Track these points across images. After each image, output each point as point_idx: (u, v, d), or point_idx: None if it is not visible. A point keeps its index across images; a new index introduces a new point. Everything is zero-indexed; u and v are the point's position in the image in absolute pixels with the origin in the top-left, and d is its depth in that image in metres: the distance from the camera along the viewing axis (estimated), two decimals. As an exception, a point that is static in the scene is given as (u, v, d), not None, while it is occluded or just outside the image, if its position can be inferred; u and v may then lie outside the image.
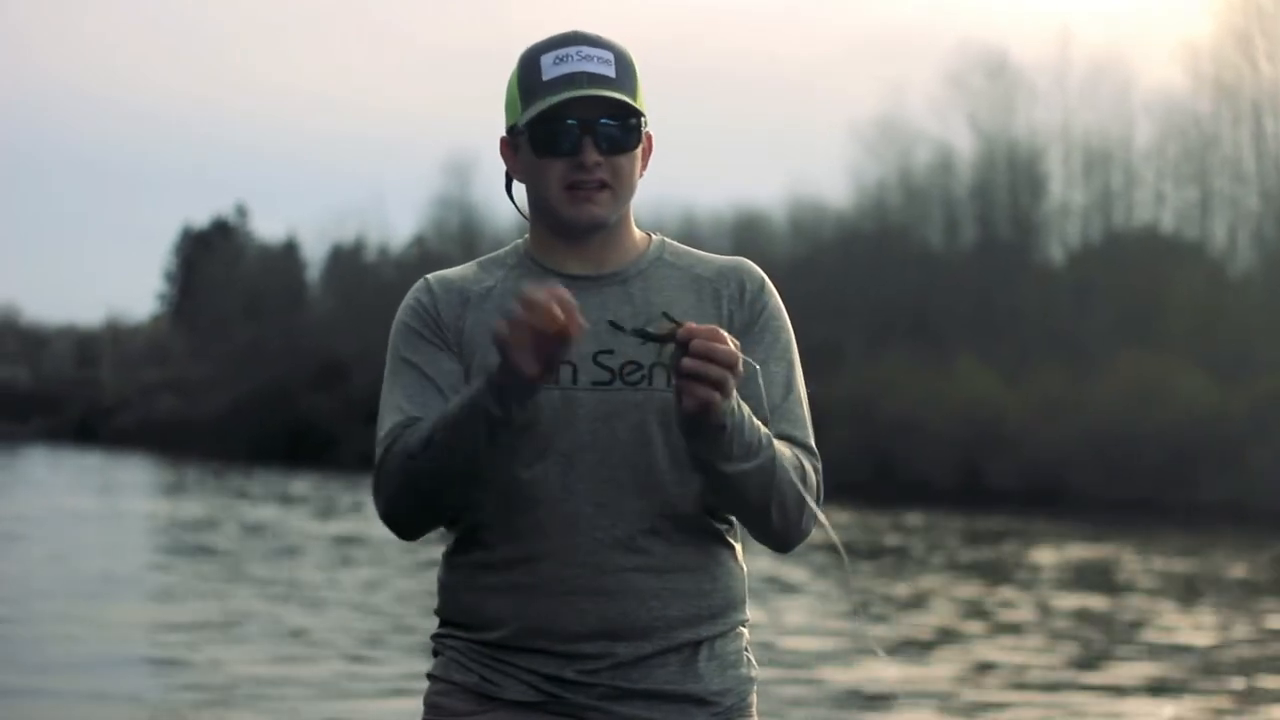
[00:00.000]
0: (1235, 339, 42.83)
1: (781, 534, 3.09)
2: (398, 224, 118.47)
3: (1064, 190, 52.76)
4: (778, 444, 3.03)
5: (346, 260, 71.22)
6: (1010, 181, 52.67)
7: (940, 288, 48.87)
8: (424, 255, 63.47)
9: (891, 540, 28.27)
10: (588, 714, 3.06)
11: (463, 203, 65.16)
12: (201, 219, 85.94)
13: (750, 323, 3.15)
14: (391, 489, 3.06)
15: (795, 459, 3.06)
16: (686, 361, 2.84)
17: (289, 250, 76.25)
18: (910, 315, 48.11)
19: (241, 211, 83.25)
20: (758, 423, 2.99)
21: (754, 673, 3.19)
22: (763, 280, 3.20)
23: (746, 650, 3.19)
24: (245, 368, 63.49)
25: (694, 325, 2.86)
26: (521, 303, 2.83)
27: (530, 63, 3.12)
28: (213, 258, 76.13)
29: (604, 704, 3.05)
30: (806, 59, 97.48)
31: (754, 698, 3.19)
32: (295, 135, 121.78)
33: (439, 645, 3.20)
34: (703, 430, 2.92)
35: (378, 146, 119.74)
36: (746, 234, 54.63)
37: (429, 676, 3.21)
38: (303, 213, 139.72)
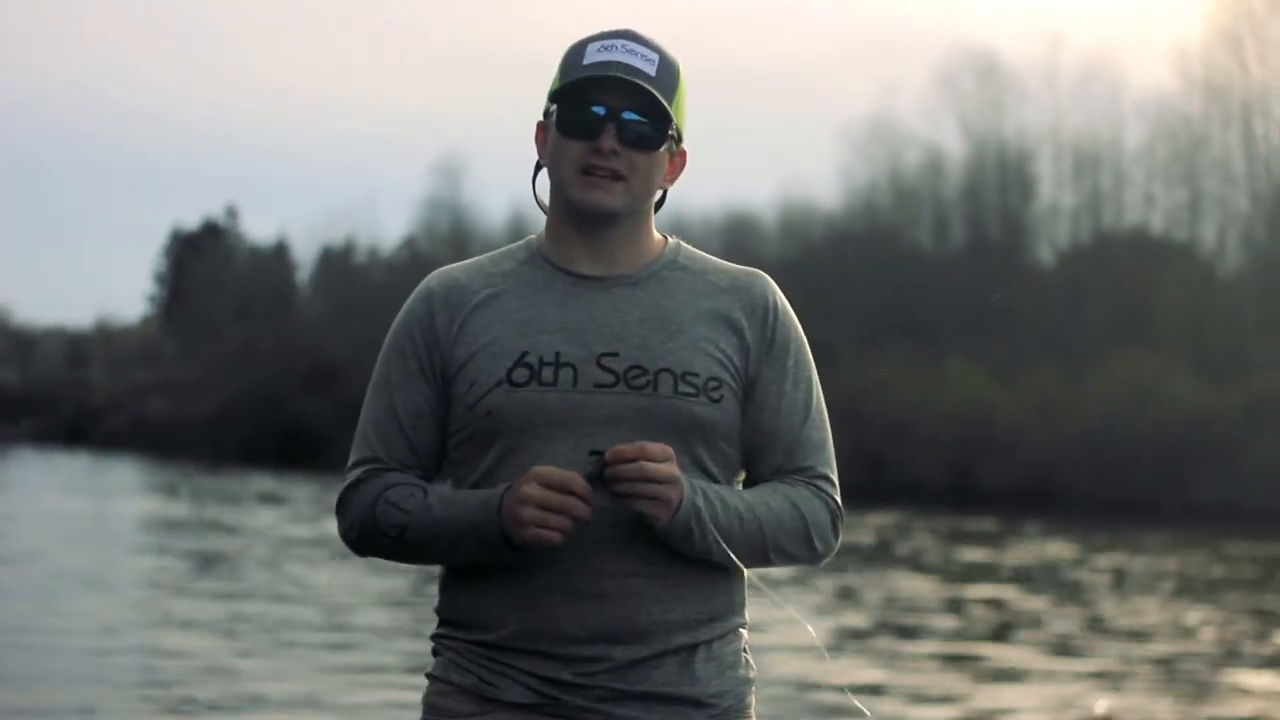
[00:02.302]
0: (1226, 340, 42.90)
1: (791, 566, 3.17)
2: (388, 225, 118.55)
3: (1054, 191, 52.85)
4: (774, 501, 3.09)
5: (336, 262, 71.17)
6: (1000, 183, 52.73)
7: (931, 289, 48.90)
8: (414, 257, 63.42)
9: (882, 540, 28.26)
10: (585, 716, 3.05)
11: (453, 204, 65.15)
12: (191, 220, 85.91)
13: (766, 347, 3.14)
14: (354, 535, 3.18)
15: (793, 512, 3.10)
16: (621, 488, 2.92)
17: (279, 252, 76.18)
18: (901, 316, 48.13)
19: (231, 213, 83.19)
20: (734, 504, 3.05)
21: (752, 674, 3.19)
22: (777, 299, 3.18)
23: (745, 651, 3.18)
24: (235, 369, 63.42)
25: (619, 449, 2.93)
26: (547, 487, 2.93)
27: (576, 49, 3.13)
28: (202, 259, 76.05)
29: (602, 706, 3.05)
30: (796, 60, 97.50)
31: (752, 699, 3.18)
32: (285, 136, 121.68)
33: (438, 645, 3.19)
34: (669, 533, 3.00)
35: (368, 147, 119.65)
36: (736, 235, 54.62)
37: (428, 676, 3.20)
38: (293, 214, 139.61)
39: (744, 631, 3.18)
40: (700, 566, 3.08)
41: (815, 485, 3.15)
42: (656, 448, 2.93)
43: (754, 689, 3.19)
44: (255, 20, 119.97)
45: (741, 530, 3.04)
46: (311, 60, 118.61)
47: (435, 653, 3.20)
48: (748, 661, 3.18)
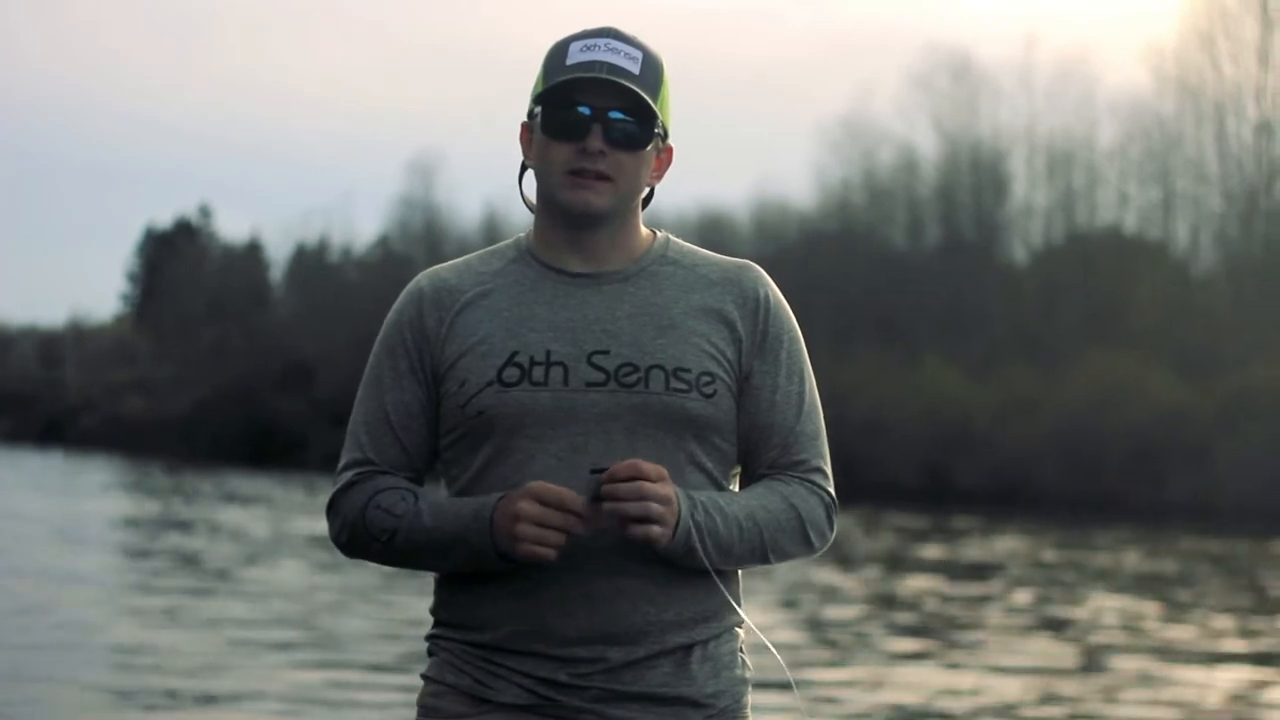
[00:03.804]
0: (1199, 338, 43.01)
1: (788, 562, 3.18)
2: (362, 224, 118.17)
3: (1027, 190, 52.93)
4: (771, 502, 3.08)
5: (310, 260, 71.10)
6: (974, 182, 52.80)
7: (905, 288, 48.96)
8: (387, 256, 63.45)
9: (857, 540, 28.29)
10: (581, 717, 3.04)
11: (427, 203, 65.12)
12: (165, 219, 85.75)
13: (759, 341, 3.13)
14: (344, 538, 3.17)
15: (789, 512, 3.10)
16: (606, 506, 2.91)
17: (252, 250, 76.09)
18: (875, 315, 48.19)
19: (205, 212, 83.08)
20: (732, 512, 3.04)
21: (748, 674, 3.18)
22: (768, 292, 3.16)
23: (741, 652, 3.17)
24: (209, 368, 63.32)
25: (613, 469, 2.91)
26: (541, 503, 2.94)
27: (559, 49, 3.11)
28: (176, 258, 75.95)
29: (597, 707, 3.03)
30: (771, 59, 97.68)
31: (748, 699, 3.17)
32: (260, 135, 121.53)
33: (433, 646, 3.18)
34: (671, 553, 2.99)
35: (343, 146, 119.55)
36: (711, 234, 54.62)
37: (423, 677, 3.19)
38: (267, 212, 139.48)
39: (740, 631, 3.17)
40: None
41: (810, 481, 3.15)
42: (651, 467, 2.92)
43: (751, 689, 3.18)
44: (234, 18, 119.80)
45: (741, 539, 3.04)
46: (288, 58, 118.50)
47: (430, 653, 3.19)
48: (744, 661, 3.17)
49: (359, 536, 3.13)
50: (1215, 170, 50.34)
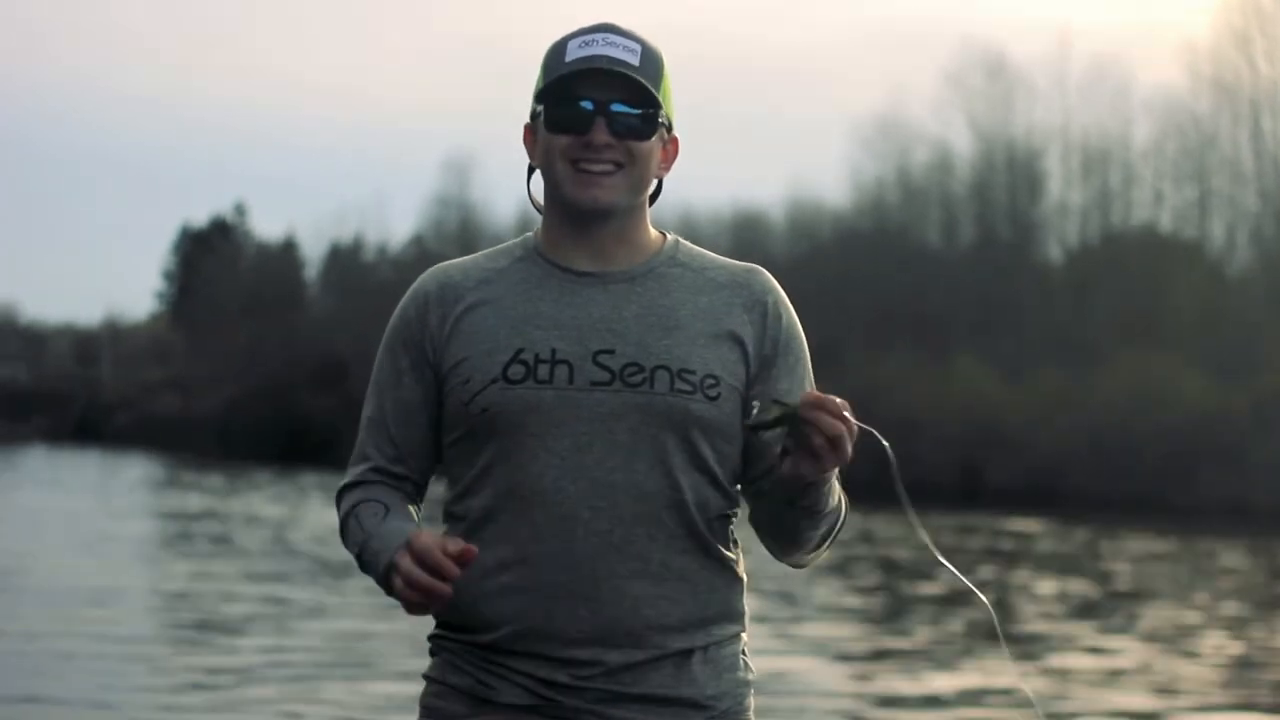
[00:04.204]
0: (1234, 338, 42.87)
1: (808, 561, 3.19)
2: (397, 223, 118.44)
3: (1062, 189, 52.84)
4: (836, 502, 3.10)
5: (345, 259, 71.28)
6: (1009, 181, 52.72)
7: (939, 287, 48.88)
8: (422, 254, 63.53)
9: (887, 540, 28.27)
10: (582, 718, 3.03)
11: (462, 202, 65.30)
12: (200, 217, 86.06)
13: (766, 345, 3.12)
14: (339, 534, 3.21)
15: (841, 496, 3.12)
16: (818, 441, 2.88)
17: (288, 249, 76.31)
18: (909, 315, 48.11)
19: (240, 210, 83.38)
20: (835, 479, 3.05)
21: (751, 676, 3.17)
22: (776, 296, 3.16)
23: (743, 654, 3.16)
24: (244, 367, 63.54)
25: (817, 396, 2.89)
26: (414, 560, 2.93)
27: (557, 47, 3.12)
28: (212, 257, 76.20)
29: (599, 708, 3.03)
30: (806, 57, 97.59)
31: (751, 701, 3.16)
32: (296, 133, 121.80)
33: (435, 646, 3.18)
34: (802, 492, 2.99)
35: (378, 145, 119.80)
36: (745, 233, 54.70)
37: (425, 677, 3.19)
38: (302, 211, 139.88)
39: (743, 635, 3.16)
40: (698, 570, 3.06)
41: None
42: (841, 401, 2.92)
43: (753, 691, 3.17)
44: (270, 15, 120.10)
45: (835, 510, 3.10)
46: (326, 55, 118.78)
47: (432, 653, 3.18)
48: (746, 664, 3.15)
49: (343, 541, 3.18)
50: (1251, 169, 50.20)
